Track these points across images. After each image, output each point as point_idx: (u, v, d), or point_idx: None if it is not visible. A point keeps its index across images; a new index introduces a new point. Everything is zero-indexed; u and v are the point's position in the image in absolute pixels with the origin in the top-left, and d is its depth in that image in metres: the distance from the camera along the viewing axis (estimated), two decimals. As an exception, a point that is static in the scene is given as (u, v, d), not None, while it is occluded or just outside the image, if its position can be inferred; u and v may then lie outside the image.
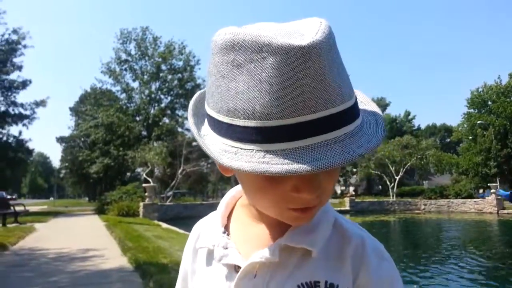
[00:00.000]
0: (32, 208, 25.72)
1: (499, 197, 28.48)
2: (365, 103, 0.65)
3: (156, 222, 18.08)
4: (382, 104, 66.36)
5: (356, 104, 0.57)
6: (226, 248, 0.66)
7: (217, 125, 0.57)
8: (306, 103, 0.50)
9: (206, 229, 0.74)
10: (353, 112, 0.55)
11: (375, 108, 0.64)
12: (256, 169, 0.50)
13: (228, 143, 0.55)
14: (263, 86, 0.50)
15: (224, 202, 0.74)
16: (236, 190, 0.74)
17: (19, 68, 32.71)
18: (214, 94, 0.57)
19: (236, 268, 0.64)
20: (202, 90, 0.66)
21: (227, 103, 0.54)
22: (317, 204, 0.59)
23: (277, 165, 0.49)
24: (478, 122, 48.36)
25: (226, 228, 0.71)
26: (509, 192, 36.40)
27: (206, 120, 0.62)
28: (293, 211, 0.58)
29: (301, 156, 0.49)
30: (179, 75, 41.05)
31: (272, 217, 0.62)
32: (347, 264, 0.62)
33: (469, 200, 30.89)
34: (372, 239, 0.66)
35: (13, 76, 32.95)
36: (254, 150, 0.52)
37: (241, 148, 0.53)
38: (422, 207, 31.67)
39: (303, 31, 0.52)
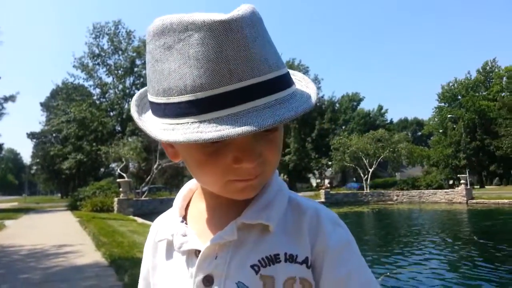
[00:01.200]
0: (1, 205, 25.08)
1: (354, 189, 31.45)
2: (301, 80, 0.67)
3: (131, 217, 17.93)
4: (356, 99, 67.18)
5: (287, 75, 0.60)
6: (185, 236, 0.67)
7: (156, 108, 0.60)
8: (232, 72, 0.53)
9: (165, 223, 0.75)
10: (282, 81, 0.58)
11: (309, 83, 0.66)
12: (190, 138, 0.52)
13: (167, 122, 0.57)
14: (191, 62, 0.53)
15: (181, 195, 0.76)
16: (192, 183, 0.76)
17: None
18: (151, 80, 0.60)
19: (197, 253, 0.65)
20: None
21: (162, 84, 0.57)
22: (259, 174, 0.61)
23: (210, 132, 0.52)
24: (449, 115, 49.83)
25: (184, 218, 0.72)
26: (358, 185, 42.82)
27: (149, 110, 0.64)
28: (237, 182, 0.60)
29: (233, 122, 0.52)
30: (154, 69, 40.50)
31: (227, 200, 0.64)
32: (304, 235, 0.64)
33: (439, 190, 31.80)
34: (326, 209, 0.69)
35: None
36: (189, 123, 0.54)
37: (178, 124, 0.55)
38: (395, 198, 32.44)
39: (229, 12, 0.55)
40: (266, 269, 0.62)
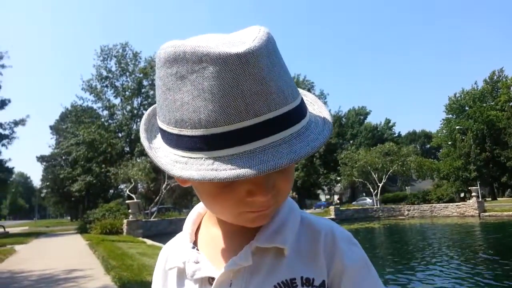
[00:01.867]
0: (12, 230, 25.20)
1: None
2: (313, 103, 0.66)
3: (140, 239, 17.87)
4: (363, 113, 67.18)
5: (302, 104, 0.58)
6: (198, 263, 0.65)
7: (168, 137, 0.58)
8: (249, 107, 0.51)
9: (175, 249, 0.73)
10: (298, 112, 0.57)
11: (322, 107, 0.66)
12: (205, 176, 0.51)
13: (179, 154, 0.56)
14: (206, 95, 0.52)
15: (190, 220, 0.74)
16: (201, 207, 0.74)
17: (-3, 88, 32.27)
18: (162, 107, 0.59)
19: (210, 280, 0.63)
20: (155, 105, 0.66)
21: (174, 115, 0.56)
22: (272, 205, 0.60)
23: (225, 171, 0.50)
24: (457, 127, 49.48)
25: (195, 244, 0.70)
26: (325, 203, 45.88)
27: (159, 133, 0.63)
28: (249, 213, 0.59)
29: (249, 160, 0.51)
30: (161, 90, 40.95)
31: (240, 225, 0.63)
32: (320, 256, 0.63)
33: (451, 204, 31.46)
34: (339, 228, 0.68)
35: (-9, 95, 32.43)
36: (203, 158, 0.53)
37: (191, 158, 0.54)
38: (406, 212, 32.10)
39: (243, 40, 0.54)
40: None
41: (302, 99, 0.60)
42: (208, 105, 0.52)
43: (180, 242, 0.72)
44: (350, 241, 0.66)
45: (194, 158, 0.54)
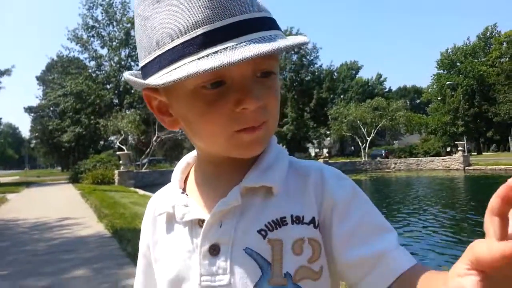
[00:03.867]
0: (3, 179, 25.27)
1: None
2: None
3: (132, 189, 18.09)
4: (355, 67, 66.46)
5: (275, 21, 0.60)
6: (187, 206, 0.65)
7: (150, 68, 0.58)
8: (225, 8, 0.53)
9: (163, 197, 0.73)
10: (275, 23, 0.59)
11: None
12: (189, 71, 0.51)
13: (163, 72, 0.56)
14: (183, 5, 0.54)
15: (179, 168, 0.74)
16: (190, 156, 0.75)
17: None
18: (143, 41, 0.59)
19: (200, 222, 0.63)
20: (130, 71, 0.67)
21: (155, 38, 0.56)
22: (263, 122, 0.59)
23: (208, 64, 0.51)
24: (447, 82, 49.51)
25: (184, 190, 0.70)
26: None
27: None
28: (242, 133, 0.58)
29: (231, 53, 0.51)
30: (150, 40, 39.99)
31: (228, 167, 0.65)
32: (309, 194, 0.63)
33: (437, 158, 32.09)
34: (328, 167, 0.69)
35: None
36: (187, 63, 0.53)
37: (174, 69, 0.54)
38: (392, 165, 32.75)
39: None
40: (274, 233, 0.60)
41: (275, 20, 0.60)
42: (185, 13, 0.53)
43: (168, 190, 0.73)
44: (339, 177, 0.66)
45: (178, 66, 0.54)
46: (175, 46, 0.54)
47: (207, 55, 0.52)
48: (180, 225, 0.66)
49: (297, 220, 0.61)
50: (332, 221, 0.62)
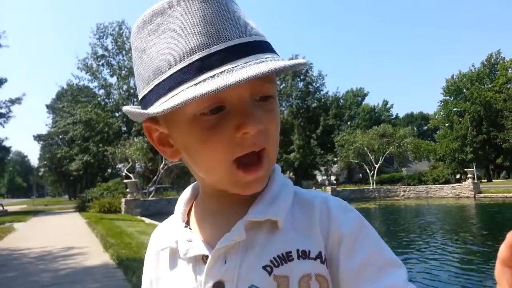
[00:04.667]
0: (11, 208, 25.31)
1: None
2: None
3: (138, 217, 18.03)
4: (361, 94, 66.92)
5: (270, 44, 0.60)
6: (191, 241, 0.64)
7: (148, 98, 0.58)
8: (220, 32, 0.53)
9: (167, 230, 0.71)
10: (270, 46, 0.59)
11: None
12: (187, 97, 0.50)
13: (161, 101, 0.55)
14: (178, 33, 0.54)
15: (182, 201, 0.73)
16: (193, 188, 0.74)
17: (-7, 67, 32.12)
18: (141, 73, 0.59)
19: (204, 258, 0.61)
20: (127, 107, 0.65)
21: (152, 68, 0.56)
22: (264, 152, 0.58)
23: (205, 88, 0.50)
24: (454, 109, 49.44)
25: (187, 224, 0.69)
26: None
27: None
28: (243, 171, 0.57)
29: (228, 76, 0.51)
30: (158, 69, 40.66)
31: (232, 201, 0.63)
32: (315, 228, 0.61)
33: (446, 185, 31.67)
34: (334, 198, 0.66)
35: (-13, 75, 32.24)
36: (184, 89, 0.52)
37: (172, 96, 0.53)
38: (402, 193, 32.36)
39: None
40: (279, 269, 0.58)
41: (270, 44, 0.60)
42: (181, 40, 0.54)
43: (172, 223, 0.71)
44: (345, 209, 0.64)
45: (176, 94, 0.53)
46: (172, 74, 0.54)
47: (204, 80, 0.51)
48: (184, 261, 0.64)
49: (304, 255, 0.59)
50: (340, 256, 0.60)
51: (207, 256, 0.61)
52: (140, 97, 0.61)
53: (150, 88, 0.57)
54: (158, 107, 0.55)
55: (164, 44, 0.55)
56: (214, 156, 0.57)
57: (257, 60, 0.54)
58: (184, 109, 0.55)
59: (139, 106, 0.63)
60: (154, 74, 0.56)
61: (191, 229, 0.66)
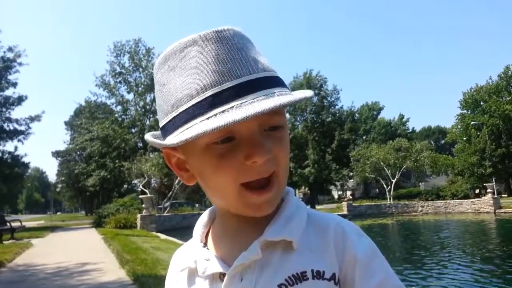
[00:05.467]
0: (28, 224, 25.62)
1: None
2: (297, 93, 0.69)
3: (154, 233, 18.06)
4: (376, 108, 66.52)
5: (280, 79, 0.64)
6: (208, 260, 0.67)
7: (167, 128, 0.63)
8: (231, 71, 0.58)
9: (185, 252, 0.75)
10: (280, 81, 0.63)
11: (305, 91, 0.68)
12: (199, 131, 0.55)
13: (177, 132, 0.60)
14: (193, 70, 0.59)
15: (200, 223, 0.76)
16: (211, 211, 0.77)
17: (14, 84, 33.01)
18: (161, 105, 0.65)
19: (221, 276, 0.64)
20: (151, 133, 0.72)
21: (170, 101, 0.62)
22: (273, 173, 0.62)
23: (216, 123, 0.54)
24: (472, 122, 48.65)
25: (206, 245, 0.72)
26: None
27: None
28: (252, 193, 0.61)
29: (237, 111, 0.55)
30: (174, 86, 41.22)
31: (247, 221, 0.65)
32: (329, 249, 0.64)
33: (465, 200, 31.06)
34: (348, 222, 0.70)
35: (8, 92, 33.15)
36: (197, 123, 0.57)
37: (187, 129, 0.58)
38: (420, 209, 31.81)
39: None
40: None
41: (280, 78, 0.65)
42: (196, 78, 0.59)
43: (190, 246, 0.74)
44: (359, 233, 0.67)
45: (190, 127, 0.58)
46: (187, 108, 0.59)
47: (215, 114, 0.56)
48: (202, 278, 0.67)
49: (318, 275, 0.62)
50: (355, 279, 0.63)
51: (224, 274, 0.64)
52: (160, 126, 0.66)
53: (168, 119, 0.62)
54: (174, 138, 0.60)
55: (181, 80, 0.60)
56: (224, 181, 0.61)
57: (265, 95, 0.58)
58: (197, 140, 0.59)
59: (160, 132, 0.68)
60: (172, 107, 0.61)
61: (208, 249, 0.70)
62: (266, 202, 0.62)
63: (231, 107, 0.56)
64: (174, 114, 0.61)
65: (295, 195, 0.73)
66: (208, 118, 0.56)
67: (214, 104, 0.57)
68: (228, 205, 0.65)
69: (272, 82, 0.61)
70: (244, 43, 0.62)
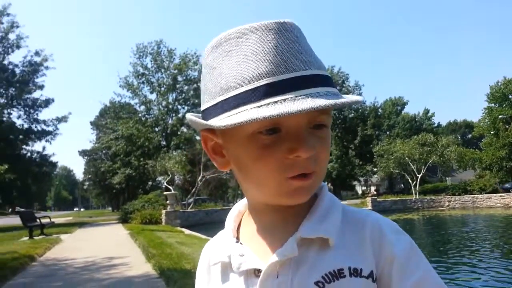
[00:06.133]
0: (57, 220, 26.25)
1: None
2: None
3: (178, 228, 18.25)
4: (400, 103, 65.32)
5: (332, 79, 0.63)
6: (243, 255, 0.66)
7: (212, 111, 0.62)
8: (288, 63, 0.58)
9: (217, 246, 0.73)
10: (331, 81, 0.62)
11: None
12: (250, 117, 0.54)
13: (224, 116, 0.59)
14: (250, 57, 0.58)
15: (231, 217, 0.75)
16: (241, 204, 0.76)
17: (41, 87, 34.06)
18: (208, 88, 0.63)
19: (256, 272, 0.63)
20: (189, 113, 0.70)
21: (220, 85, 0.61)
22: (313, 172, 0.61)
23: (269, 112, 0.54)
24: (500, 116, 47.28)
25: (238, 239, 0.71)
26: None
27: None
28: (292, 180, 0.60)
29: (290, 104, 0.55)
30: (195, 85, 41.60)
31: (281, 217, 0.66)
32: (367, 246, 0.63)
33: (494, 195, 30.23)
34: (384, 218, 0.68)
35: (36, 94, 34.21)
36: (248, 110, 0.56)
37: (235, 114, 0.57)
38: (446, 203, 31.16)
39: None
40: (331, 285, 0.60)
41: (332, 79, 0.64)
42: (251, 65, 0.58)
43: (222, 239, 0.73)
44: (396, 230, 0.66)
45: (239, 112, 0.57)
46: (239, 93, 0.58)
47: (267, 104, 0.55)
48: (236, 274, 0.66)
49: (355, 272, 0.61)
50: (392, 276, 0.62)
51: (259, 270, 0.63)
52: (203, 108, 0.65)
53: (215, 102, 0.61)
54: (221, 121, 0.59)
55: (235, 66, 0.59)
56: (266, 173, 0.60)
57: (317, 93, 0.57)
58: (243, 126, 0.58)
59: (200, 115, 0.67)
60: (221, 90, 0.60)
61: (241, 244, 0.68)
62: (303, 187, 0.61)
63: (285, 99, 0.55)
64: (222, 97, 0.60)
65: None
66: (259, 107, 0.56)
67: (267, 94, 0.56)
68: (264, 196, 0.64)
69: (326, 81, 0.60)
70: (302, 39, 0.62)
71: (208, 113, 0.63)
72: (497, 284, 7.65)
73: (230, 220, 0.74)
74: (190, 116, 0.66)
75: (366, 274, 0.61)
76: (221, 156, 0.68)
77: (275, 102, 0.55)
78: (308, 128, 0.61)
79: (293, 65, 0.58)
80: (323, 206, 0.66)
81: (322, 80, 0.60)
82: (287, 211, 0.65)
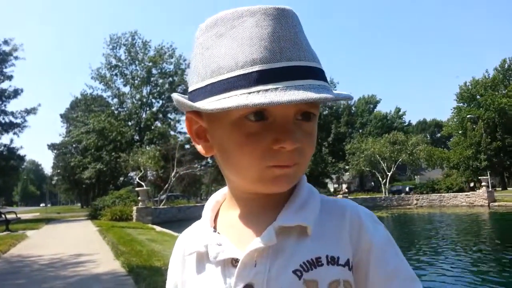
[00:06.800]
0: (24, 216, 25.58)
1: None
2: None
3: (149, 225, 18.10)
4: (373, 101, 66.53)
5: (324, 72, 0.63)
6: (220, 245, 0.64)
7: (200, 92, 0.61)
8: (283, 51, 0.56)
9: (193, 236, 0.72)
10: (324, 75, 0.62)
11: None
12: (239, 103, 0.53)
13: (213, 99, 0.58)
14: (245, 41, 0.57)
15: (208, 207, 0.74)
16: (219, 194, 0.75)
17: (9, 77, 32.86)
18: (198, 67, 0.62)
19: (234, 262, 0.62)
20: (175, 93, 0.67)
21: (210, 67, 0.59)
22: (296, 163, 0.60)
23: (258, 99, 0.53)
24: (468, 116, 48.80)
25: (215, 229, 0.70)
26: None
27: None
28: (274, 168, 0.59)
29: (281, 94, 0.54)
30: (170, 78, 41.09)
31: (259, 206, 0.65)
32: (344, 235, 0.64)
33: (460, 193, 31.27)
34: (363, 207, 0.69)
35: (4, 85, 33.01)
36: (237, 95, 0.55)
37: (225, 98, 0.56)
38: (414, 202, 32.01)
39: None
40: (309, 274, 0.60)
41: (325, 74, 0.63)
42: (245, 49, 0.56)
43: (198, 228, 0.72)
44: (375, 220, 0.67)
45: (229, 97, 0.56)
46: (230, 77, 0.57)
47: (258, 91, 0.54)
48: (212, 264, 0.65)
49: (332, 261, 0.61)
50: (369, 264, 0.63)
51: (236, 260, 0.62)
52: (190, 89, 0.64)
53: (203, 84, 0.60)
54: (209, 104, 0.58)
55: (228, 49, 0.58)
56: (249, 160, 0.60)
57: (309, 85, 0.56)
58: (229, 112, 0.58)
59: (186, 96, 0.65)
60: (211, 72, 0.59)
61: (219, 233, 0.67)
62: (284, 175, 0.60)
63: (276, 88, 0.54)
64: (212, 80, 0.59)
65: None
66: (250, 93, 0.55)
67: (259, 81, 0.55)
68: (245, 183, 0.64)
69: (319, 74, 0.60)
70: (300, 28, 0.61)
71: (196, 95, 0.62)
72: (462, 280, 7.92)
73: (208, 210, 0.73)
74: (176, 96, 0.64)
75: (342, 263, 0.61)
76: (204, 140, 0.66)
77: (266, 90, 0.54)
78: (295, 119, 0.60)
79: (288, 54, 0.57)
80: (301, 195, 0.66)
81: (315, 73, 0.59)
82: (267, 200, 0.65)
